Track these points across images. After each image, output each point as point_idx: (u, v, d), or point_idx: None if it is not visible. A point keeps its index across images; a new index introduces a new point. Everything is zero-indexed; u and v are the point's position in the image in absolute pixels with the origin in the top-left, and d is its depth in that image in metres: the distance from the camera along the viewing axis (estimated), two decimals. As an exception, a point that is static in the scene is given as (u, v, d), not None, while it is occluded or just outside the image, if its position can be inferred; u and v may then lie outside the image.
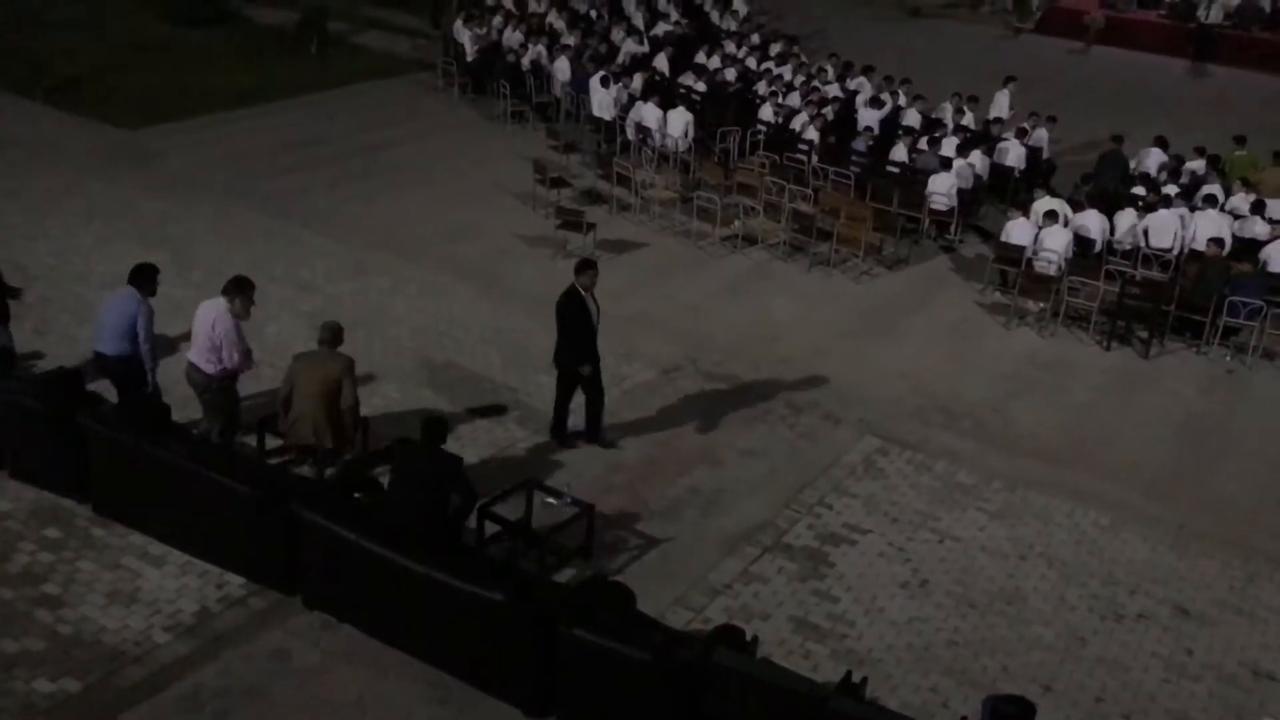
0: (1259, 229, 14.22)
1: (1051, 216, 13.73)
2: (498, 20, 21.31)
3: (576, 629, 6.76)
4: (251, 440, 9.41)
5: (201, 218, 14.38)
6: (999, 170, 16.61)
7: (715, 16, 23.47)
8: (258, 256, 13.39)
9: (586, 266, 9.89)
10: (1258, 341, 12.79)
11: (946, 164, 15.56)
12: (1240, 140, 16.66)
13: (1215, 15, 26.83)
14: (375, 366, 11.01)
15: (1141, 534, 9.63)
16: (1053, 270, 13.32)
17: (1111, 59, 26.13)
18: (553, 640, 6.89)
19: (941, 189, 15.08)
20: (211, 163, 16.31)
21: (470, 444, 10.04)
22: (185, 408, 9.87)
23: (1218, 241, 13.20)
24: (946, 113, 17.80)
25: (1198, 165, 16.06)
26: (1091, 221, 14.11)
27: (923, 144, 16.55)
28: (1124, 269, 13.46)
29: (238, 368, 8.91)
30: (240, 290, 8.78)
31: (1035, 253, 13.51)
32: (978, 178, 15.94)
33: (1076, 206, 14.31)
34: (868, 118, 17.52)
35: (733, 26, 21.30)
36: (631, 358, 11.82)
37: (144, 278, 8.99)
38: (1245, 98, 22.50)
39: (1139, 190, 15.31)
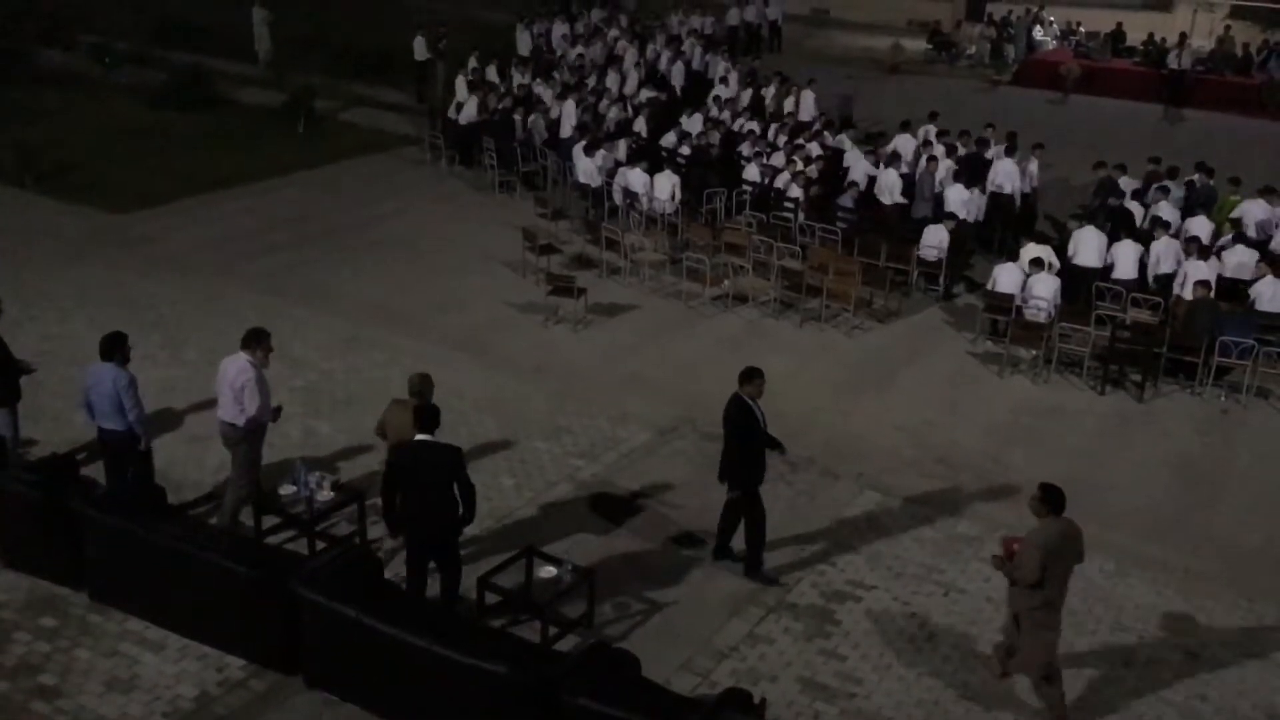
0: (1242, 258, 14.39)
1: (1038, 264, 13.83)
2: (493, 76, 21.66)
3: (581, 698, 6.67)
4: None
5: (193, 298, 14.43)
6: (997, 201, 16.79)
7: (716, 72, 23.87)
8: (250, 334, 13.42)
9: (754, 375, 8.93)
10: (1251, 380, 12.81)
11: (939, 214, 15.76)
12: (1235, 182, 16.70)
13: (1186, 61, 27.28)
14: (373, 438, 10.95)
15: (1147, 578, 9.56)
16: (1043, 317, 13.38)
17: (1089, 107, 26.50)
18: (557, 711, 6.79)
19: (933, 241, 15.20)
20: (202, 243, 16.40)
21: (468, 514, 9.98)
22: (182, 489, 9.84)
23: (1204, 284, 13.28)
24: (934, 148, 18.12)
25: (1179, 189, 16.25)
26: (1091, 244, 14.39)
27: (920, 166, 16.86)
28: (1114, 313, 13.52)
29: (260, 416, 9.04)
30: (258, 341, 9.03)
31: (1025, 300, 13.58)
32: (973, 222, 16.12)
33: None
34: (858, 171, 17.62)
35: (725, 93, 21.61)
36: (627, 420, 11.81)
37: (113, 347, 9.05)
38: (1220, 140, 22.76)
39: (1134, 207, 15.57)
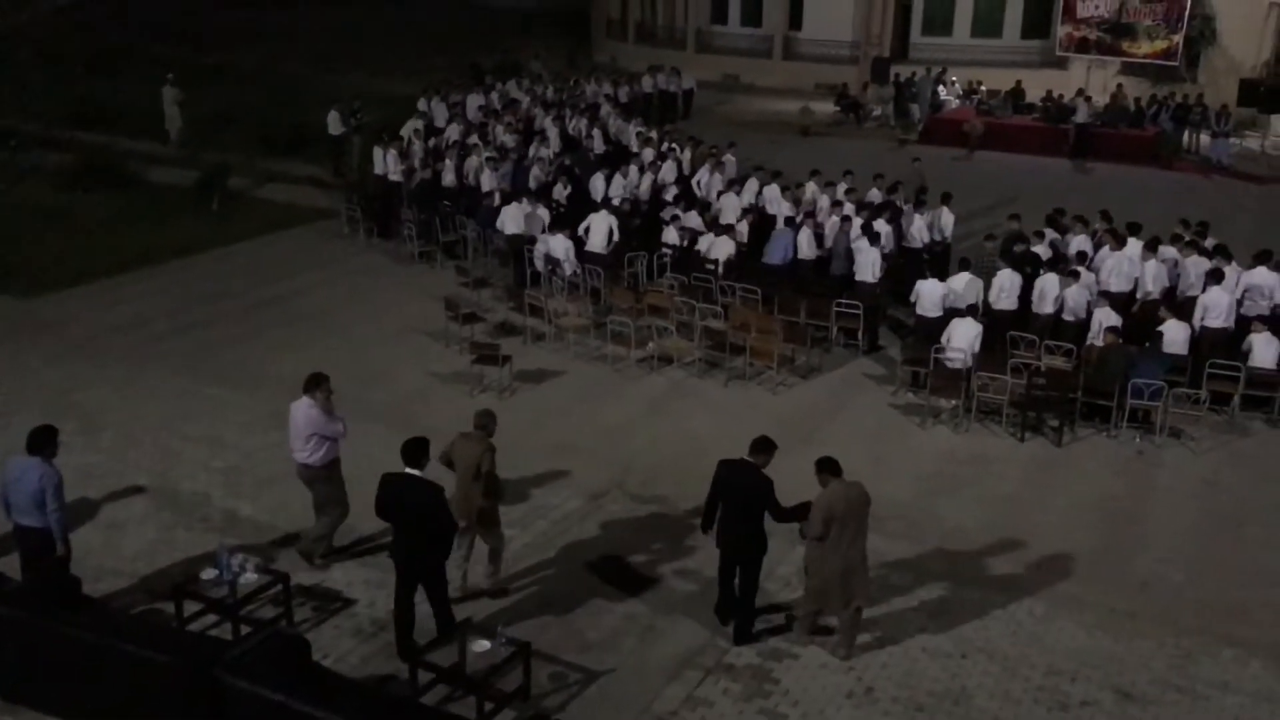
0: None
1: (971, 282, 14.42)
2: (416, 147, 21.71)
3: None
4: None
5: (108, 382, 14.08)
6: (907, 254, 17.17)
7: (634, 144, 24.21)
8: (168, 416, 13.13)
9: (769, 446, 9.07)
10: (1163, 421, 13.17)
11: (850, 269, 16.05)
12: (1134, 228, 17.06)
13: (1083, 115, 28.35)
14: (294, 522, 10.74)
15: (1077, 620, 9.70)
16: (959, 364, 13.64)
17: (993, 162, 27.36)
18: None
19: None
20: (115, 326, 16.06)
21: (398, 590, 9.81)
22: (100, 579, 9.53)
23: (1114, 330, 13.69)
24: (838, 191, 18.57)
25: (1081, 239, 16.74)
26: (1007, 281, 14.83)
27: (833, 222, 17.19)
28: (1029, 360, 13.83)
29: (337, 437, 9.89)
30: (317, 385, 9.92)
31: (944, 347, 13.81)
32: (888, 257, 16.46)
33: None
34: (783, 233, 17.79)
35: (649, 156, 21.92)
36: (558, 487, 11.73)
37: (43, 442, 8.75)
38: (1118, 189, 23.61)
39: (1041, 250, 16.07)
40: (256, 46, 42.09)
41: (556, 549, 10.57)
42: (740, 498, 8.95)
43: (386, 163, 21.36)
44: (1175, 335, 13.92)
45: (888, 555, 10.58)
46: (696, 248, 17.44)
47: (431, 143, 22.50)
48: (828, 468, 8.83)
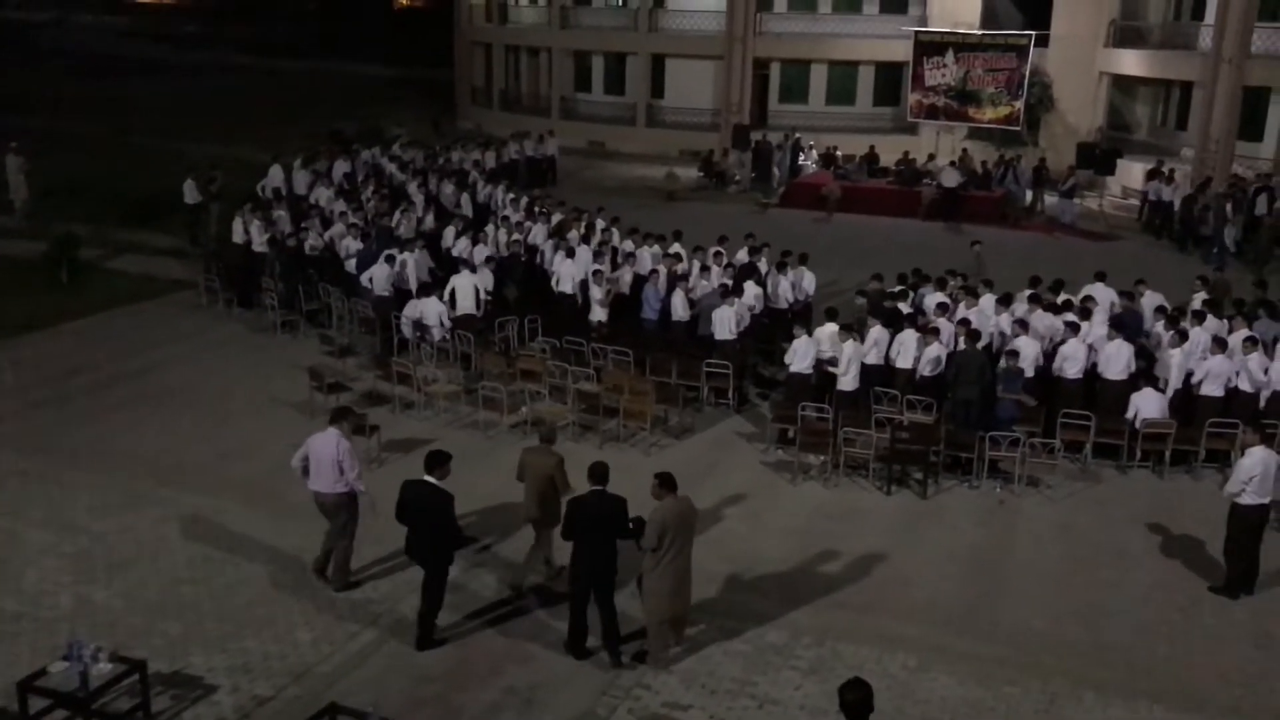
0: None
1: (846, 330, 14.79)
2: (280, 215, 21.30)
3: None
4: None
5: (-55, 466, 13.30)
6: (773, 314, 17.53)
7: (499, 201, 24.23)
8: (14, 502, 12.46)
9: (606, 475, 9.68)
10: (1021, 470, 13.64)
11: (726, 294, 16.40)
12: (989, 284, 17.74)
13: (950, 180, 29.40)
14: (149, 609, 10.26)
15: (948, 670, 9.89)
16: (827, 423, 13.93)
17: (851, 224, 28.22)
18: None
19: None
20: (-46, 405, 15.22)
21: (261, 674, 9.43)
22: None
23: (971, 331, 14.49)
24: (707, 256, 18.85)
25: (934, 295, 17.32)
26: (878, 336, 15.22)
27: (703, 287, 17.53)
28: (892, 415, 14.20)
29: (357, 478, 10.55)
30: (344, 417, 10.90)
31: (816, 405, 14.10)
32: (756, 318, 16.81)
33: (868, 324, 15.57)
34: (652, 292, 17.95)
35: (516, 216, 21.96)
36: (429, 559, 11.47)
37: None
38: (967, 246, 24.59)
39: (903, 307, 16.57)
40: (110, 115, 40.97)
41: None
42: (596, 524, 9.53)
43: (249, 231, 20.89)
44: (1028, 351, 14.63)
45: (765, 614, 10.65)
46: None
47: (292, 210, 22.12)
48: (666, 483, 9.46)
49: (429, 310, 16.81)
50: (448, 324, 16.73)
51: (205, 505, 12.49)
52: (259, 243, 20.46)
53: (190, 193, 24.25)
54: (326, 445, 10.51)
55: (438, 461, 9.83)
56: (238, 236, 21.15)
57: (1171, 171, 28.45)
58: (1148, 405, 13.96)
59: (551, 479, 10.52)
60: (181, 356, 17.61)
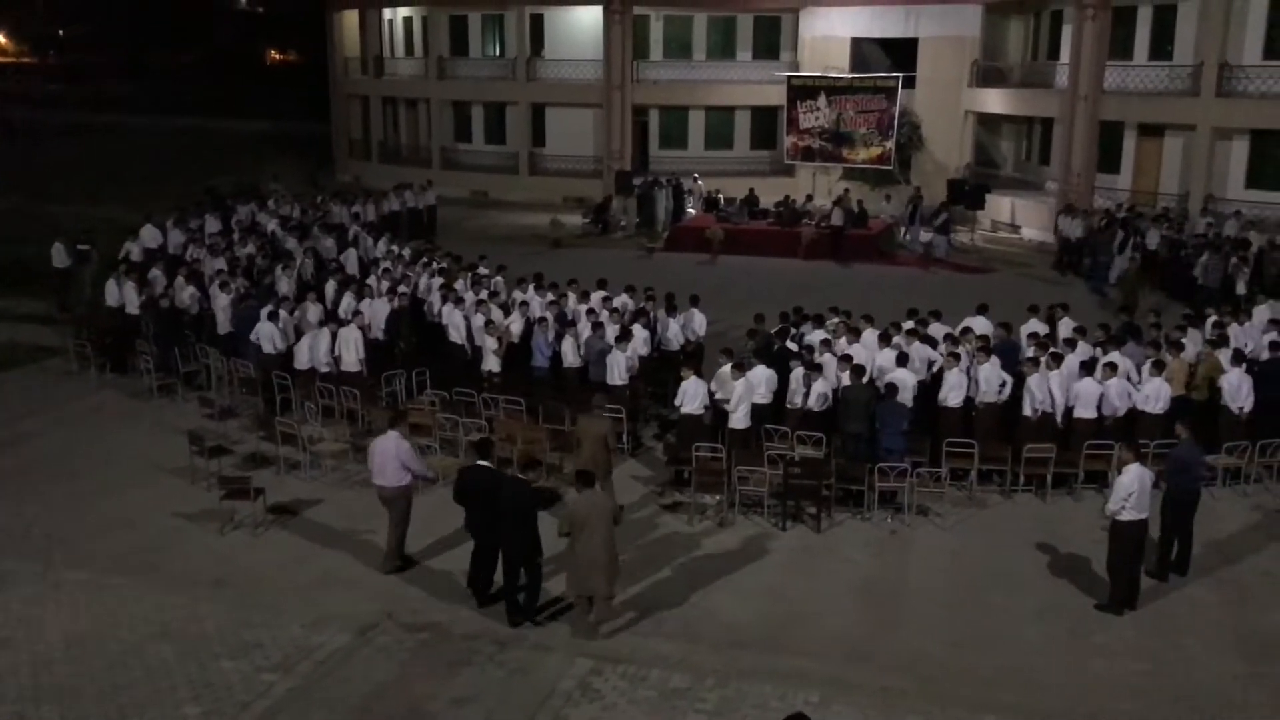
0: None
1: (739, 368, 14.89)
2: (155, 274, 20.69)
3: None
4: None
5: None
6: (665, 356, 17.66)
7: (381, 253, 23.92)
8: None
9: (536, 464, 11.92)
10: (910, 500, 13.90)
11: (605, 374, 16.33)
12: (869, 319, 18.09)
13: (838, 219, 30.00)
14: (20, 697, 9.72)
15: (853, 703, 9.94)
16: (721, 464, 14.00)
17: (736, 265, 28.62)
18: None
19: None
20: None
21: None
22: None
23: (855, 366, 14.84)
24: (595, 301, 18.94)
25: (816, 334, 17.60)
26: (765, 375, 15.35)
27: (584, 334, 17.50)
28: (783, 452, 14.34)
29: (422, 474, 12.54)
30: (401, 419, 12.70)
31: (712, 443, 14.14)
32: (644, 359, 16.90)
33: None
34: (542, 340, 17.87)
35: (399, 269, 21.71)
36: (323, 624, 11.14)
37: None
38: (850, 284, 25.23)
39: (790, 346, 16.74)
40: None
41: (324, 691, 9.98)
42: (511, 505, 10.97)
43: (123, 294, 20.18)
44: (907, 381, 14.95)
45: (668, 657, 10.59)
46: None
47: (168, 270, 21.49)
48: (582, 479, 11.15)
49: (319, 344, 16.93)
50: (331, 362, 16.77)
51: (82, 581, 11.92)
52: (133, 305, 19.82)
53: (59, 256, 23.38)
54: (387, 446, 12.03)
55: (488, 447, 11.88)
56: (112, 300, 20.43)
57: (1082, 210, 29.13)
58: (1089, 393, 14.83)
59: (604, 438, 13.03)
60: (52, 426, 16.88)
